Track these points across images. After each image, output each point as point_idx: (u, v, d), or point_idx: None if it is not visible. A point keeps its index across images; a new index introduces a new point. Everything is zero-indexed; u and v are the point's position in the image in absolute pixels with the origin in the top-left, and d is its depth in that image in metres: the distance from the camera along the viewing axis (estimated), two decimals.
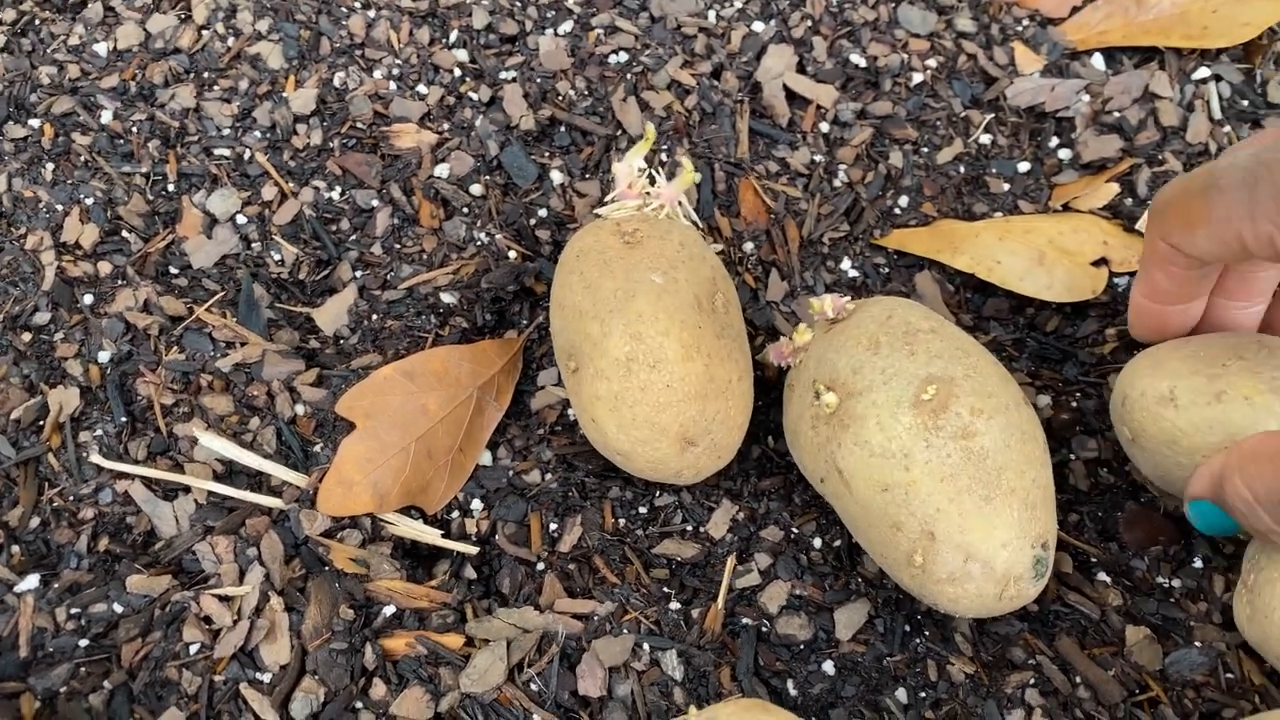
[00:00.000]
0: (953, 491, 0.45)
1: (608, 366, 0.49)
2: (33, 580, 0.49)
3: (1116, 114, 0.69)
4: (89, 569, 0.50)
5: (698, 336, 0.50)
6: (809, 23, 0.73)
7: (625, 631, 0.51)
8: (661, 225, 0.54)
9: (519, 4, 0.72)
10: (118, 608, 0.49)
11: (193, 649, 0.49)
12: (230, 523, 0.52)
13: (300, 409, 0.56)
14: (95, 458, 0.53)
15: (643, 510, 0.56)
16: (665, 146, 0.67)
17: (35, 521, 0.52)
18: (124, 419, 0.54)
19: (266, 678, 0.49)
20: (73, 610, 0.49)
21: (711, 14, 0.73)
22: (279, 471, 0.53)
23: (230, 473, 0.54)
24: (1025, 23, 0.75)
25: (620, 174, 0.56)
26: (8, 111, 0.65)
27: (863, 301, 0.52)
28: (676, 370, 0.49)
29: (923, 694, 0.51)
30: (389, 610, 0.51)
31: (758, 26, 0.72)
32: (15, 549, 0.50)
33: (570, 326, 0.52)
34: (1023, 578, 0.47)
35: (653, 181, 0.57)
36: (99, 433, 0.54)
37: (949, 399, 0.46)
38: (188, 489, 0.53)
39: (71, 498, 0.52)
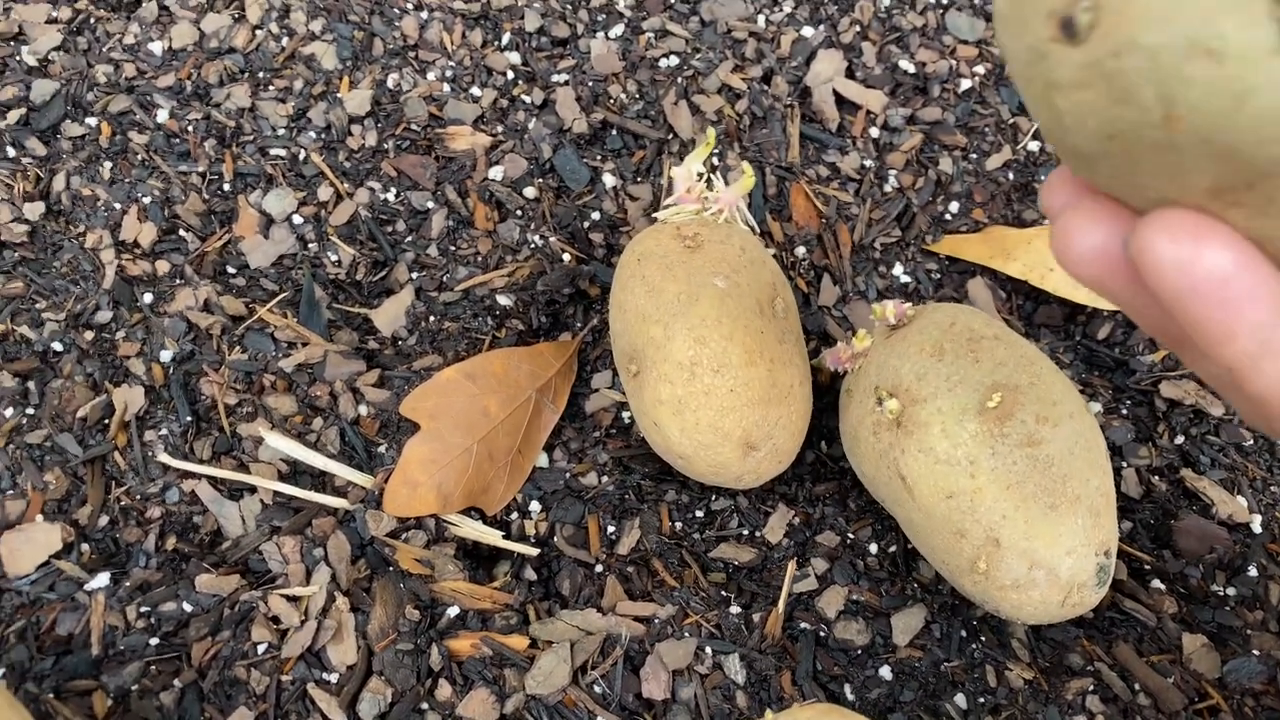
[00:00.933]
0: (1018, 499, 0.46)
1: (671, 370, 0.49)
2: (103, 578, 0.50)
3: None
4: (158, 568, 0.51)
5: (760, 341, 0.50)
6: (858, 28, 0.73)
7: (687, 635, 0.52)
8: (721, 229, 0.54)
9: (570, 6, 0.72)
10: (187, 607, 0.50)
11: (260, 649, 0.49)
12: (297, 523, 0.52)
13: (363, 409, 0.56)
14: (162, 457, 0.53)
15: (699, 514, 0.57)
16: (717, 150, 0.67)
17: (104, 520, 0.52)
18: (189, 418, 0.55)
19: (334, 678, 0.49)
20: (143, 609, 0.49)
21: (761, 18, 0.73)
22: (344, 472, 0.53)
23: (295, 473, 0.54)
24: None
25: (679, 178, 0.56)
26: (65, 110, 0.65)
27: (924, 307, 0.52)
28: (740, 375, 0.49)
29: (981, 699, 0.51)
30: (453, 611, 0.52)
31: (807, 31, 0.72)
32: (85, 547, 0.51)
33: (632, 329, 0.52)
34: (1086, 585, 0.47)
35: (711, 185, 0.57)
36: (164, 432, 0.54)
37: (1014, 406, 0.46)
38: (253, 489, 0.53)
39: (139, 496, 0.53)
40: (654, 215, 0.50)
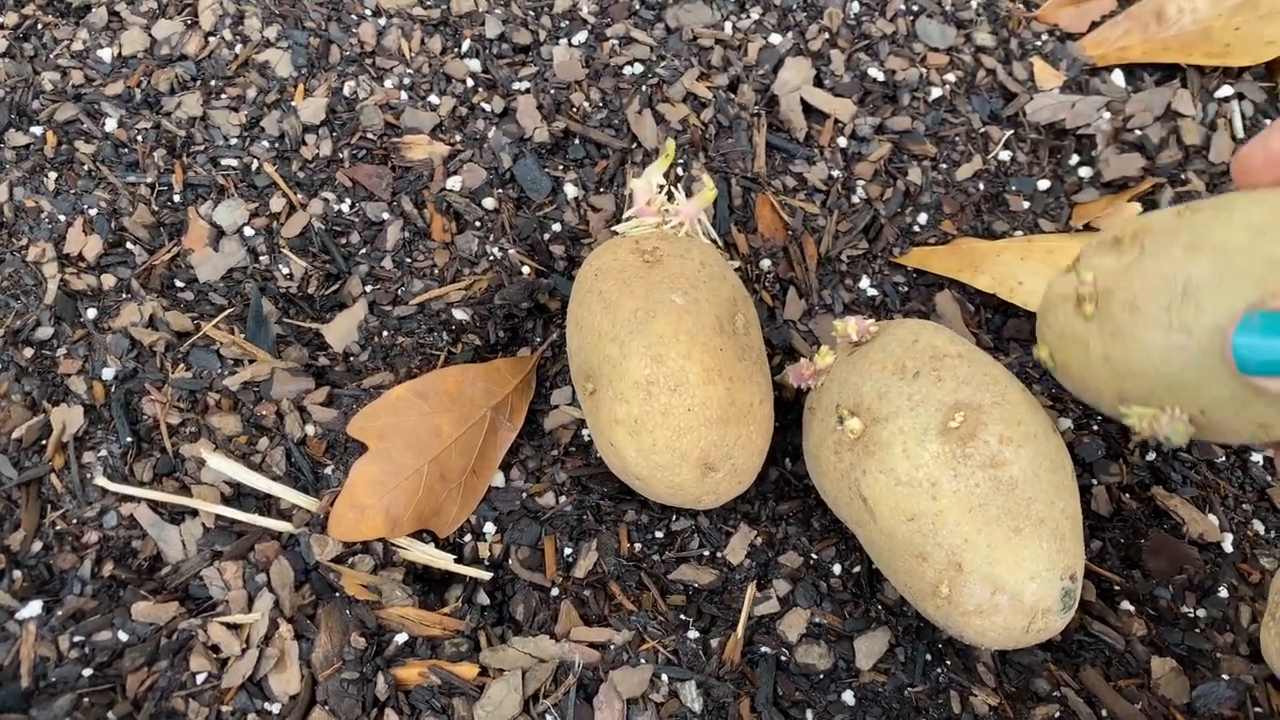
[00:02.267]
0: (981, 522, 0.44)
1: (627, 389, 0.48)
2: (35, 607, 0.48)
3: (1138, 132, 0.68)
4: (93, 595, 0.49)
5: (719, 359, 0.49)
6: (826, 35, 0.71)
7: (643, 661, 0.50)
8: (681, 243, 0.53)
9: (532, 13, 0.71)
10: (123, 636, 0.48)
11: (200, 678, 0.48)
12: (239, 547, 0.50)
13: (310, 429, 0.54)
14: (100, 479, 0.51)
15: (659, 535, 0.55)
16: (681, 160, 0.66)
17: (37, 545, 0.50)
18: (129, 439, 0.53)
19: (276, 708, 0.47)
20: (76, 638, 0.48)
21: (728, 25, 0.71)
22: (289, 494, 0.52)
23: (238, 495, 0.53)
24: (1044, 38, 0.74)
25: (639, 190, 0.55)
26: (9, 118, 0.63)
27: (887, 324, 0.51)
28: (698, 394, 0.48)
29: None
30: (401, 638, 0.50)
31: (774, 39, 0.71)
32: (17, 574, 0.49)
33: (588, 347, 0.50)
34: (1051, 610, 0.46)
35: (671, 198, 0.56)
36: (103, 453, 0.53)
37: (977, 427, 0.45)
38: (195, 512, 0.51)
39: (75, 520, 0.51)
40: (613, 229, 0.49)
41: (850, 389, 0.48)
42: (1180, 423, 0.53)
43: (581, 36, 0.70)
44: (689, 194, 0.63)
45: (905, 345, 0.48)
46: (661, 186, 0.55)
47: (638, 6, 0.71)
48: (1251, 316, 0.32)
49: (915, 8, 0.73)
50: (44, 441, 0.53)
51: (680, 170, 0.65)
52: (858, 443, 0.47)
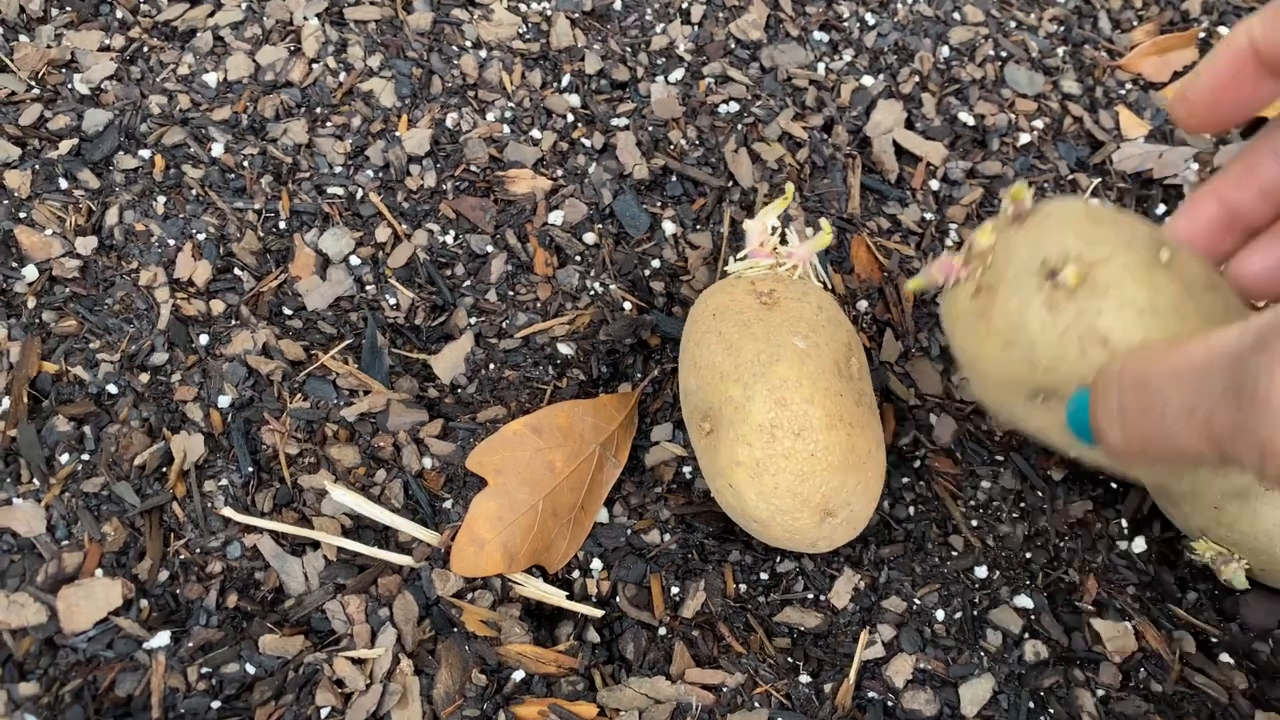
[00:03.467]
0: None
1: (750, 432, 0.48)
2: (163, 637, 0.48)
3: None
4: (219, 626, 0.49)
5: (840, 404, 0.49)
6: (917, 79, 0.72)
7: (758, 705, 0.51)
8: (797, 286, 0.54)
9: (630, 50, 0.71)
10: (250, 669, 0.48)
11: (324, 713, 0.48)
12: (361, 581, 0.51)
13: (428, 462, 0.55)
14: (225, 510, 0.52)
15: (764, 576, 0.56)
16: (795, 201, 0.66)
17: (163, 574, 0.50)
18: (250, 469, 0.53)
19: None
20: (204, 670, 0.48)
21: (821, 66, 0.72)
22: (410, 528, 0.52)
23: (358, 527, 0.53)
24: (1128, 86, 0.75)
25: (753, 231, 0.55)
26: (119, 141, 0.63)
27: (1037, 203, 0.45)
28: (821, 439, 0.48)
29: None
30: (518, 675, 0.50)
31: (867, 80, 0.72)
32: (144, 603, 0.49)
33: (707, 387, 0.51)
34: None
35: (784, 240, 0.56)
36: (224, 482, 0.53)
37: (1179, 259, 0.41)
38: (316, 544, 0.51)
39: (199, 550, 0.51)
40: (725, 269, 0.48)
41: (1046, 246, 0.41)
42: (1242, 570, 0.54)
43: (678, 74, 0.70)
44: (801, 237, 0.63)
45: (1078, 206, 0.42)
46: (775, 228, 0.56)
47: (733, 46, 0.72)
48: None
49: (1004, 54, 0.74)
50: (165, 469, 0.53)
51: (789, 212, 0.66)
52: (1080, 290, 0.40)
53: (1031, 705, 0.52)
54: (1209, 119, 0.35)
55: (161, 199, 0.62)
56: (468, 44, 0.70)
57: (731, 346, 0.50)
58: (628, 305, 0.62)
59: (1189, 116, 0.35)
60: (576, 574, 0.55)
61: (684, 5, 0.74)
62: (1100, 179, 0.70)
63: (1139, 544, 0.57)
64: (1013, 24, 0.76)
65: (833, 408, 0.49)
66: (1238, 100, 0.33)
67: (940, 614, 0.55)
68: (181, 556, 0.51)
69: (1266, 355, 0.23)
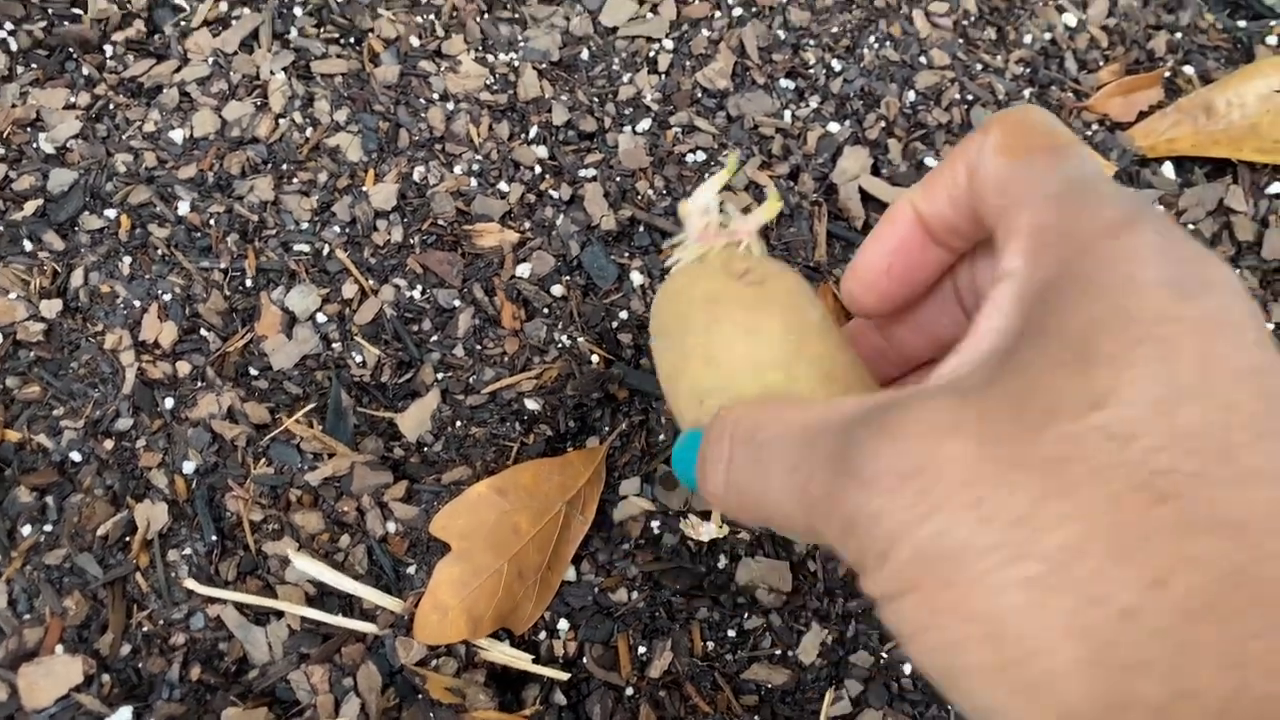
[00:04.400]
0: None
1: None
2: (125, 713, 0.48)
3: (1190, 226, 0.69)
4: (181, 699, 0.49)
5: (861, 373, 0.47)
6: (883, 124, 0.73)
7: None
8: (764, 262, 0.47)
9: (597, 100, 0.72)
10: None
11: None
12: (325, 650, 0.51)
13: (391, 526, 0.55)
14: (188, 582, 0.51)
15: (731, 633, 0.56)
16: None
17: (125, 648, 0.50)
18: (213, 537, 0.53)
19: None
20: None
21: (787, 114, 0.72)
22: (373, 595, 0.52)
23: (321, 594, 0.53)
24: (1095, 127, 0.75)
25: (694, 212, 0.44)
26: (84, 201, 0.63)
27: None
28: None
29: None
30: None
31: (833, 127, 0.72)
32: (106, 678, 0.49)
33: (739, 380, 0.43)
34: None
35: (725, 215, 0.49)
36: (188, 551, 0.53)
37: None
38: (280, 613, 0.51)
39: (162, 622, 0.51)
40: (668, 262, 0.44)
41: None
42: None
43: (645, 124, 0.71)
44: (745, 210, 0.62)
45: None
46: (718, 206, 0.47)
47: (700, 95, 0.73)
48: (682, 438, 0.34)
49: (970, 97, 0.75)
50: (128, 539, 0.53)
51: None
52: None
53: None
54: (881, 293, 0.34)
55: (127, 259, 0.62)
56: (435, 96, 0.70)
57: (752, 329, 0.43)
58: (595, 358, 0.62)
59: (863, 292, 0.34)
60: (543, 635, 0.55)
61: (651, 54, 0.74)
62: None
63: None
64: (979, 66, 0.77)
65: (869, 377, 0.46)
66: (908, 269, 0.32)
67: (908, 667, 0.55)
68: (144, 629, 0.51)
69: (871, 428, 0.23)
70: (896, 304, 0.34)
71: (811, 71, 0.74)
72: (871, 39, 0.76)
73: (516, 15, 0.76)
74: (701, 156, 0.70)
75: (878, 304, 0.34)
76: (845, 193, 0.70)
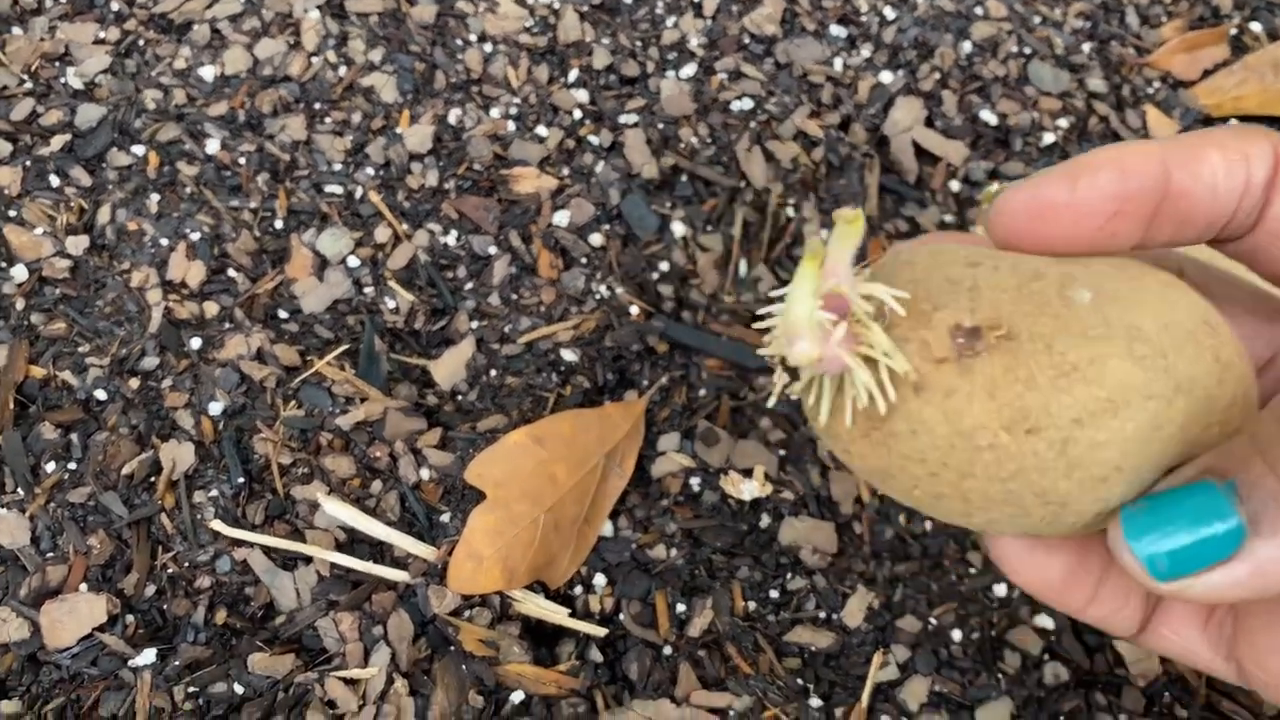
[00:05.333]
0: None
1: None
2: (149, 654, 0.46)
3: None
4: (206, 643, 0.47)
5: None
6: (938, 75, 0.70)
7: None
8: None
9: (640, 44, 0.69)
10: (239, 688, 0.46)
11: None
12: (355, 598, 0.49)
13: (425, 473, 0.53)
14: (215, 523, 0.50)
15: (774, 594, 0.54)
16: (792, 201, 0.64)
17: (150, 589, 0.49)
18: (241, 480, 0.51)
19: None
20: (191, 689, 0.46)
21: (838, 61, 0.70)
22: (405, 542, 0.50)
23: (352, 540, 0.51)
24: (1156, 84, 0.72)
25: (799, 334, 0.24)
26: (112, 137, 0.62)
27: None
28: None
29: None
30: (517, 696, 0.48)
31: (885, 77, 0.69)
32: (130, 619, 0.47)
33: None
34: None
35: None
36: (214, 493, 0.51)
37: None
38: (309, 559, 0.50)
39: (187, 564, 0.49)
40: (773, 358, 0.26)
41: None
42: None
43: (690, 70, 0.68)
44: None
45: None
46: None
47: (747, 41, 0.70)
48: (1131, 510, 0.23)
49: (1027, 50, 0.72)
50: (153, 479, 0.51)
51: (791, 209, 0.63)
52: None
53: None
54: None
55: (155, 197, 0.60)
56: (472, 37, 0.68)
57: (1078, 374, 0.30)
58: (634, 309, 0.60)
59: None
60: (579, 590, 0.53)
61: None
62: None
63: None
64: (1037, 19, 0.73)
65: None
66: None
67: (957, 634, 0.53)
68: (169, 570, 0.49)
69: None
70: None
71: (864, 19, 0.71)
72: None
73: None
74: (748, 104, 0.67)
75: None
76: (897, 145, 0.67)
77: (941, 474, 0.24)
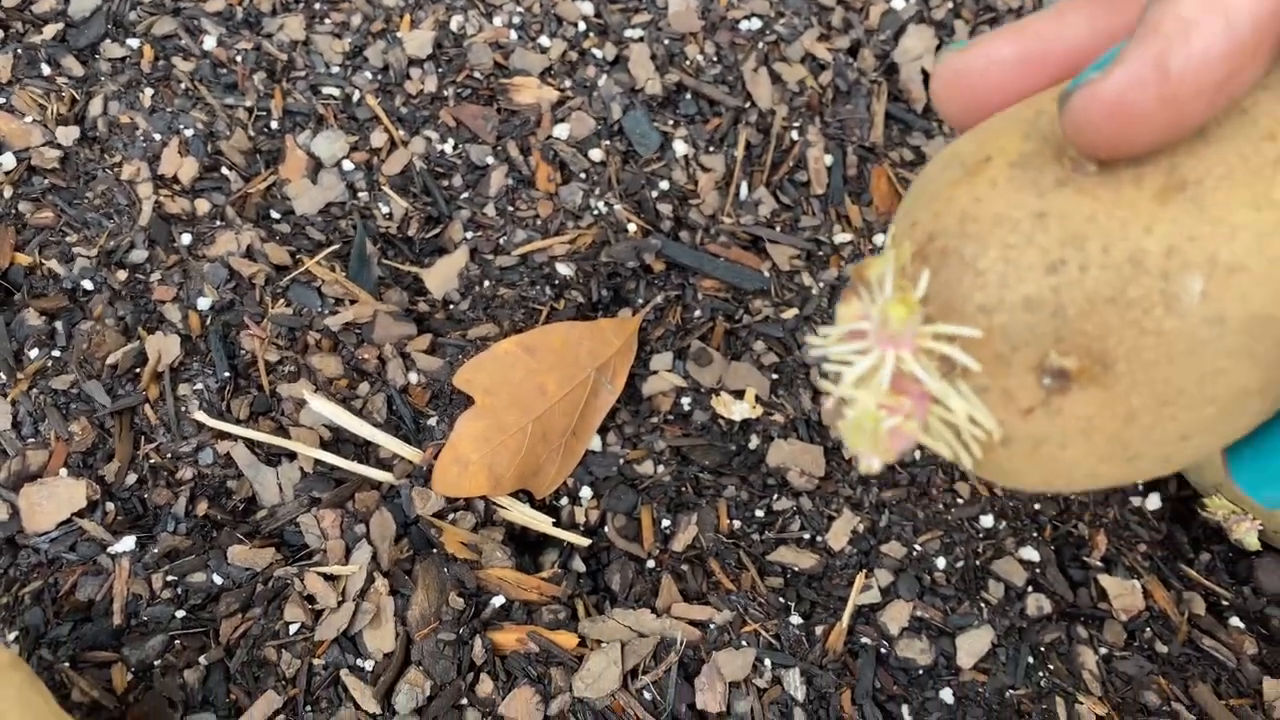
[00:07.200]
0: None
1: None
2: (128, 542, 0.46)
3: None
4: (187, 534, 0.47)
5: None
6: (951, 4, 0.68)
7: (745, 644, 0.48)
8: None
9: None
10: (217, 579, 0.46)
11: (293, 629, 0.46)
12: (338, 495, 0.48)
13: (414, 377, 0.52)
14: (198, 414, 0.49)
15: (759, 514, 0.53)
16: (797, 125, 0.63)
17: (131, 478, 0.48)
18: (226, 374, 0.51)
19: (369, 665, 0.46)
20: (169, 578, 0.46)
21: None
22: (390, 443, 0.50)
23: (337, 440, 0.51)
24: None
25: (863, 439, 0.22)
26: (106, 29, 0.60)
27: None
28: None
29: None
30: (497, 601, 0.48)
31: (897, 3, 0.68)
32: (110, 506, 0.47)
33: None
34: None
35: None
36: (199, 386, 0.51)
37: None
38: (293, 455, 0.49)
39: (169, 455, 0.49)
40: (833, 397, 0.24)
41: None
42: (1254, 531, 0.50)
43: None
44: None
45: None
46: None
47: None
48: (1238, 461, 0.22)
49: None
50: (138, 370, 0.51)
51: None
52: None
53: (1031, 660, 0.50)
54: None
55: (149, 91, 0.59)
56: None
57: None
58: (632, 227, 0.59)
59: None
60: (564, 501, 0.53)
61: None
62: None
63: (1153, 501, 0.55)
64: None
65: None
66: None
67: (941, 562, 0.53)
68: (151, 460, 0.49)
69: None
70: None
71: None
72: None
73: None
74: (756, 24, 0.66)
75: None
76: (907, 73, 0.66)
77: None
